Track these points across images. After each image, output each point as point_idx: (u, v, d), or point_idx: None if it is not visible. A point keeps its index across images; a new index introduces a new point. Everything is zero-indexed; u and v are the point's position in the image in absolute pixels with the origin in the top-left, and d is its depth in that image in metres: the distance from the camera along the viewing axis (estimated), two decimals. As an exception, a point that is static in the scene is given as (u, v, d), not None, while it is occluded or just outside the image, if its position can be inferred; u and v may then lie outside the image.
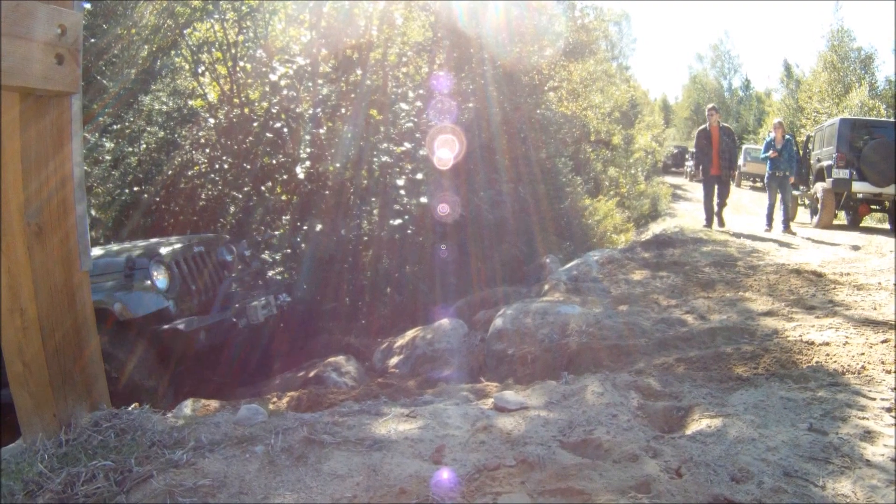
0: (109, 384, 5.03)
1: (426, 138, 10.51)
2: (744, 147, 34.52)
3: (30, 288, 2.45)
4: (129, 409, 2.81)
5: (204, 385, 6.13)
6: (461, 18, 12.34)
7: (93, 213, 10.11)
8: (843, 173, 13.31)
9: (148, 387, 5.17)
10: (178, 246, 6.30)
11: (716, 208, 12.67)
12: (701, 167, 12.64)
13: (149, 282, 5.53)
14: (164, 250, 6.01)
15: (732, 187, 13.54)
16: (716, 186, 12.60)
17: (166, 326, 5.41)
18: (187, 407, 4.34)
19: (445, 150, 10.27)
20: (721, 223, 12.61)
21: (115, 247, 6.66)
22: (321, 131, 10.41)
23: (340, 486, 2.29)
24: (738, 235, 10.62)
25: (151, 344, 5.33)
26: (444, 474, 2.37)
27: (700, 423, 2.97)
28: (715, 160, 12.29)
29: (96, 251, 6.09)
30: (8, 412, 5.44)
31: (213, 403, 4.62)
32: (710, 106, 13.06)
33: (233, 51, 11.08)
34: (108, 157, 10.91)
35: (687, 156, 42.16)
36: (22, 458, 2.41)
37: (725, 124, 12.92)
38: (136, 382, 5.11)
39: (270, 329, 7.19)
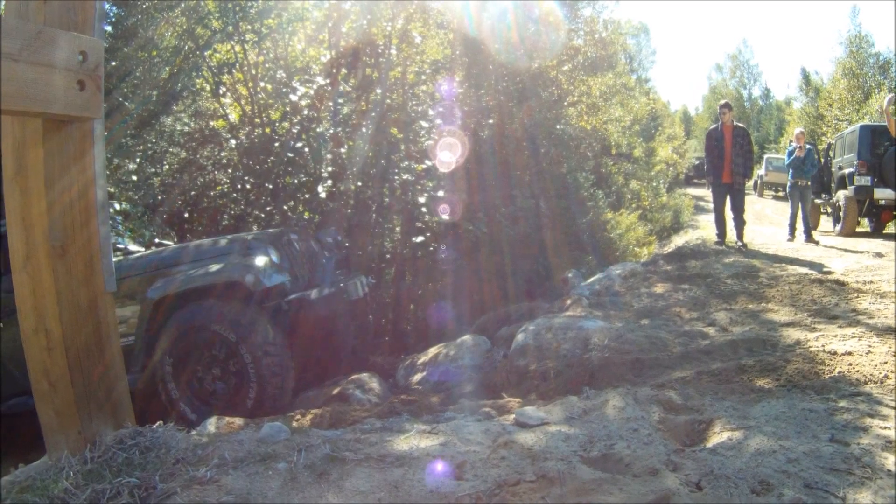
0: (238, 354, 5.32)
1: (435, 145, 10.60)
2: (765, 156, 34.23)
3: (54, 308, 2.50)
4: (154, 426, 2.85)
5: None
6: (472, 28, 12.39)
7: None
8: (865, 180, 13.19)
9: (273, 355, 5.45)
10: (276, 232, 6.80)
11: (731, 222, 10.97)
12: (711, 173, 10.98)
13: (268, 258, 5.87)
14: (270, 234, 6.51)
15: (754, 197, 12.53)
16: (727, 196, 10.90)
17: (292, 297, 5.85)
18: (211, 424, 4.37)
19: (447, 154, 10.32)
20: (741, 241, 10.76)
21: (207, 241, 6.94)
22: (342, 150, 10.49)
23: (362, 502, 2.31)
24: (756, 254, 9.75)
25: (275, 314, 5.69)
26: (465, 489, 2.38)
27: (721, 436, 2.95)
28: (727, 166, 10.63)
29: (206, 242, 6.55)
30: (6, 423, 5.62)
31: (237, 421, 4.66)
32: (721, 102, 11.36)
33: (253, 72, 11.20)
34: (133, 178, 11.04)
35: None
36: (47, 474, 2.45)
37: (741, 124, 11.24)
38: (260, 353, 5.38)
39: (364, 305, 7.82)
